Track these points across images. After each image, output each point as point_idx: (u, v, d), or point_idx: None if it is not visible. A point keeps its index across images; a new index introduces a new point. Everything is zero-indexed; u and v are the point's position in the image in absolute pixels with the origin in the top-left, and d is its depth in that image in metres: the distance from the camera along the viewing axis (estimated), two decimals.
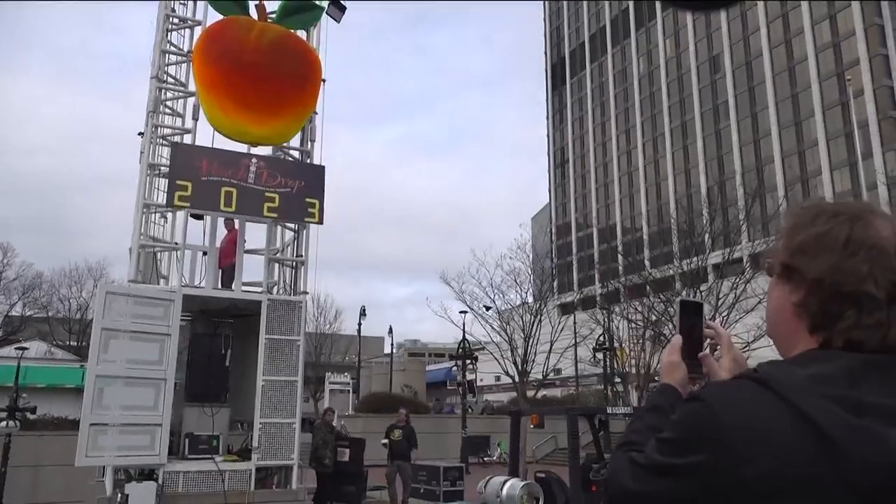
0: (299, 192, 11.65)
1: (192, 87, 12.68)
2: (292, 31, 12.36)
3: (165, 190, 11.98)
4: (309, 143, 12.94)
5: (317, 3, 12.92)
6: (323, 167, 12.37)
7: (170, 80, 12.90)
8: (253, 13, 11.99)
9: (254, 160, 11.65)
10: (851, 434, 0.94)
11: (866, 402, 0.97)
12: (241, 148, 12.15)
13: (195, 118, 11.99)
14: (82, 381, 14.75)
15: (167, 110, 13.12)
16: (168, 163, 13.07)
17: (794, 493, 0.93)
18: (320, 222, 11.95)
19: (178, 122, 13.48)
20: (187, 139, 12.13)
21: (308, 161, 12.84)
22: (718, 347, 1.37)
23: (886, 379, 1.01)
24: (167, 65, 12.74)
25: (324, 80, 12.48)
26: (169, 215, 13.28)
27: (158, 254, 13.05)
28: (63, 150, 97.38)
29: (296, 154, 13.04)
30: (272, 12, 12.29)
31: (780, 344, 1.15)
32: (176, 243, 11.77)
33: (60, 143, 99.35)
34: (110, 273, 47.86)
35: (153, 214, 12.41)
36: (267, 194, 11.37)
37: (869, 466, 0.92)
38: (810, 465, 0.93)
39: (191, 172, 11.01)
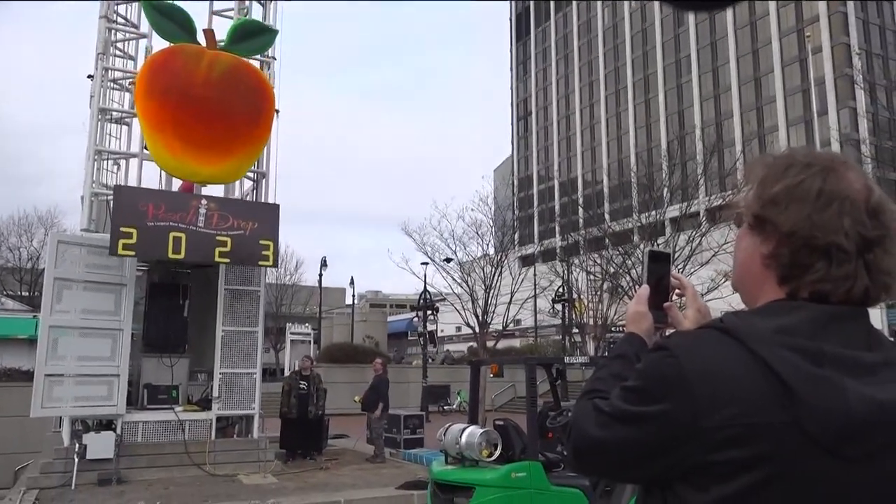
0: (252, 234, 11.01)
1: (143, 28, 12.16)
2: (244, 59, 11.37)
3: (117, 136, 11.58)
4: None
5: (269, 26, 12.05)
6: (277, 206, 11.71)
7: (120, 20, 12.35)
8: (201, 39, 11.01)
9: (203, 202, 10.99)
10: (811, 383, 0.95)
11: (827, 352, 0.98)
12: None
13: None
14: (35, 332, 14.44)
15: (118, 52, 12.61)
16: (119, 107, 12.64)
17: (754, 441, 0.95)
18: (274, 265, 11.44)
19: (130, 64, 12.97)
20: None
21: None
22: (683, 298, 1.38)
23: (847, 330, 1.03)
24: (117, 4, 12.18)
25: (277, 111, 11.62)
26: (122, 162, 12.89)
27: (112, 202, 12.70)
28: (12, 95, 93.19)
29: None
30: (221, 40, 11.34)
31: (747, 294, 1.16)
32: None
33: (10, 87, 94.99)
34: (62, 222, 46.40)
35: (105, 161, 12.01)
36: (218, 238, 10.73)
37: (827, 415, 0.94)
38: (770, 413, 0.95)
39: (135, 217, 10.25)
